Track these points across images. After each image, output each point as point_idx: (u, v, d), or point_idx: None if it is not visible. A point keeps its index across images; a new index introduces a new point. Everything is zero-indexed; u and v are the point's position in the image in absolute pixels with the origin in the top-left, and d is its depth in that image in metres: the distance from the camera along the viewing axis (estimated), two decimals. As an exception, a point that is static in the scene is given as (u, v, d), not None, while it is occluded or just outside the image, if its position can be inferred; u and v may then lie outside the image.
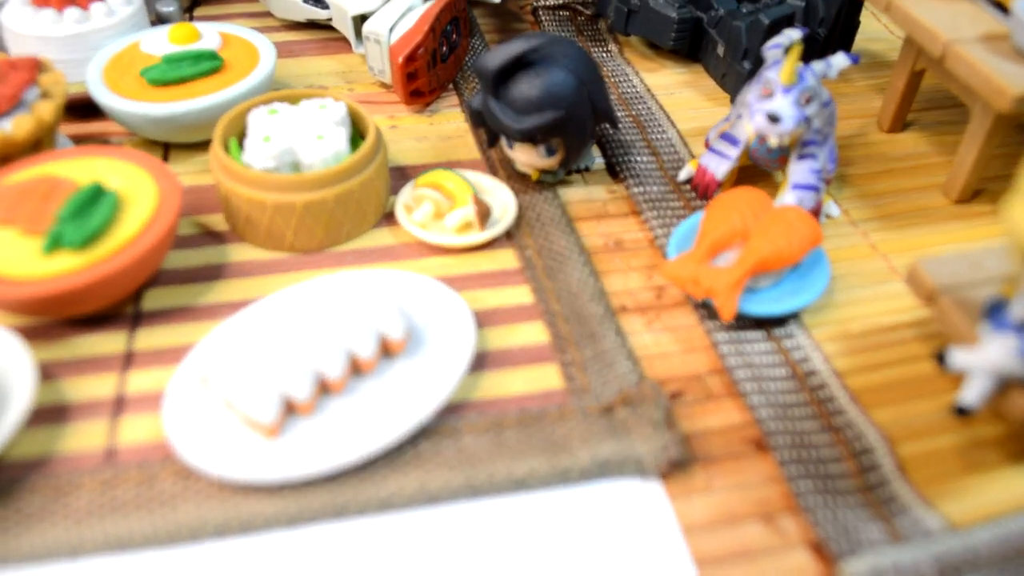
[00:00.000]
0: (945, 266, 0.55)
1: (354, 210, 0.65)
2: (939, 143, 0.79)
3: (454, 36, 0.84)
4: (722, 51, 0.82)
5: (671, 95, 0.84)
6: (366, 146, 0.64)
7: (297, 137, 0.64)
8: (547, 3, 0.96)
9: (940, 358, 0.51)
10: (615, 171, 0.74)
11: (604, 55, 0.90)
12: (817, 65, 0.66)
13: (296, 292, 0.58)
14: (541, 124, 0.64)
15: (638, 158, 0.75)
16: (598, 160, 0.76)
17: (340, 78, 0.85)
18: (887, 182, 0.74)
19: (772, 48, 0.68)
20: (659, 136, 0.77)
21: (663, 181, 0.72)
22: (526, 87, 0.64)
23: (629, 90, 0.84)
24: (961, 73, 0.65)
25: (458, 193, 0.66)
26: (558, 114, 0.64)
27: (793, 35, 0.69)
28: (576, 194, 0.72)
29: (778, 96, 0.62)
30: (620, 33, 0.88)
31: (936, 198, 0.73)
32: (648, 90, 0.84)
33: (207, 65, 0.73)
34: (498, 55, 0.64)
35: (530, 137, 0.66)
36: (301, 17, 0.90)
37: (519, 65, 0.65)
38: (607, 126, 0.75)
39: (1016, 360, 0.48)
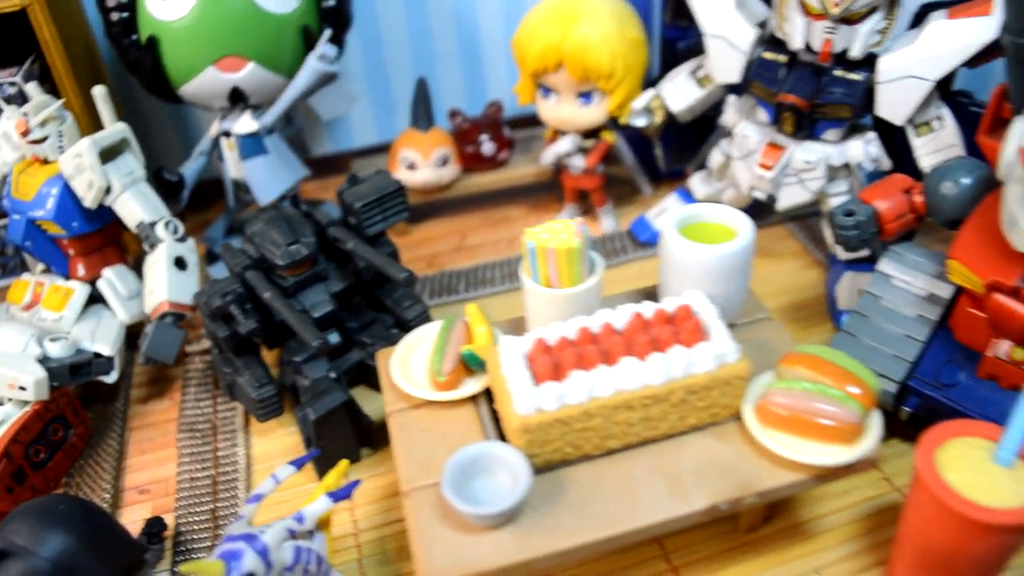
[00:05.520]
0: None
1: None
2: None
3: (60, 433, 0.85)
4: (307, 424, 0.81)
5: (270, 466, 0.83)
6: None
7: None
8: (197, 348, 0.97)
9: None
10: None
11: (228, 412, 0.90)
12: (274, 530, 0.63)
13: None
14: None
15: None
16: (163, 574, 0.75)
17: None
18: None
19: (255, 497, 0.66)
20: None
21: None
22: (-6, 588, 0.65)
23: (228, 467, 0.84)
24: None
25: None
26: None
27: (280, 474, 0.68)
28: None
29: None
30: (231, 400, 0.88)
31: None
32: (248, 464, 0.84)
33: None
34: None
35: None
36: None
37: (-8, 558, 0.65)
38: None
39: None
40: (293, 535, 0.64)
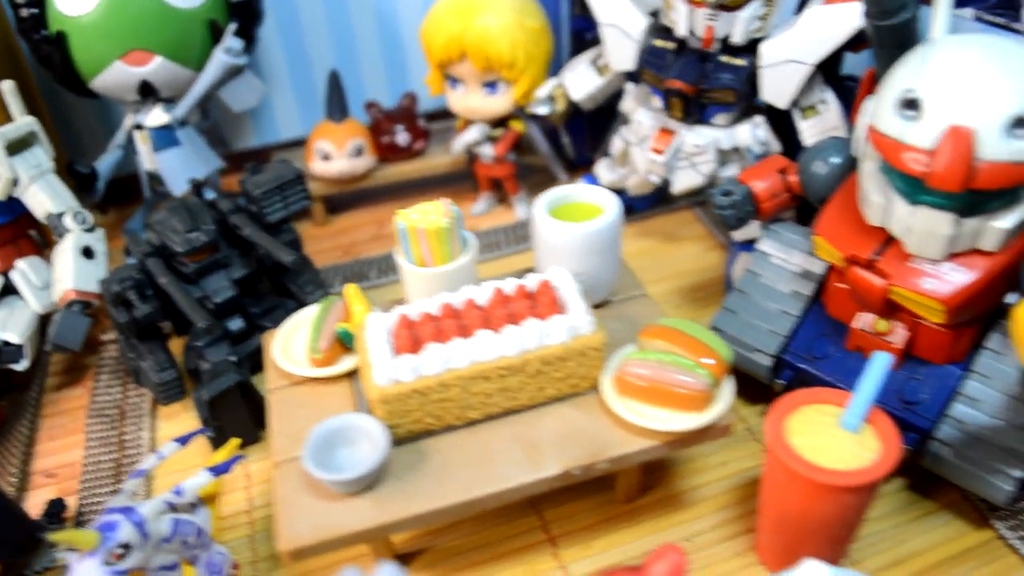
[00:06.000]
0: None
1: None
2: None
3: (-32, 419, 0.87)
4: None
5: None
6: None
7: None
8: (111, 336, 0.99)
9: None
10: None
11: (138, 398, 0.92)
12: (152, 503, 0.66)
13: None
14: None
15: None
16: (59, 555, 0.77)
17: None
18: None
19: (138, 472, 0.68)
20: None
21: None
22: None
23: (132, 450, 0.86)
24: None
25: None
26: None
27: (165, 451, 0.70)
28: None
29: (85, 562, 0.63)
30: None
31: None
32: (153, 447, 0.86)
33: None
34: None
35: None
36: None
37: None
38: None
39: None
40: (172, 508, 0.66)
